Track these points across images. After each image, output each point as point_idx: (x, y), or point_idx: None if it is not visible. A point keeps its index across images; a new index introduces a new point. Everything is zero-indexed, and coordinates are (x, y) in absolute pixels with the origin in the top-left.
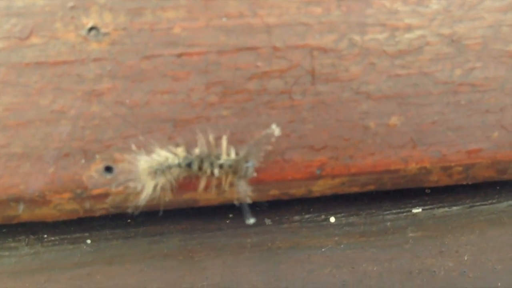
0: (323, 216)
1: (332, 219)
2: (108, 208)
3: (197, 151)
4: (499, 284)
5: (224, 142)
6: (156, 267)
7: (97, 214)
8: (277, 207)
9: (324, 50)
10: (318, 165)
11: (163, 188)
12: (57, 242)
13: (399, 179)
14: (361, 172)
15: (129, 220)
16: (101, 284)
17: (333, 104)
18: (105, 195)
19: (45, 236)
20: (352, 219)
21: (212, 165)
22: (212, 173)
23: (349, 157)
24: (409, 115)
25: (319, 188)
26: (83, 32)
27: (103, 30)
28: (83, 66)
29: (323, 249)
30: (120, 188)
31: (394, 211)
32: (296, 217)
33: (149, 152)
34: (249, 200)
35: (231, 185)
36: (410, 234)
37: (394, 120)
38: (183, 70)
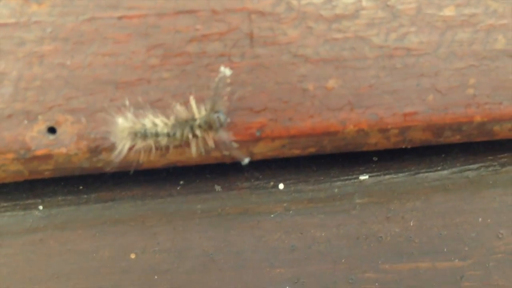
0: (272, 183)
1: (281, 186)
2: (53, 170)
3: (177, 119)
4: (445, 249)
5: (192, 102)
6: (107, 232)
7: (43, 176)
8: (226, 174)
9: (262, 14)
10: (258, 126)
11: (138, 151)
12: (9, 208)
13: (339, 142)
14: (301, 134)
15: (81, 187)
16: (54, 249)
17: (272, 67)
18: (49, 155)
19: None
20: (300, 185)
21: (192, 128)
22: (194, 135)
23: (289, 119)
24: (346, 78)
25: (260, 150)
26: None
27: None
28: (24, 28)
29: (272, 215)
30: (63, 149)
31: (341, 178)
32: (246, 184)
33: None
34: (235, 145)
35: (214, 140)
36: (357, 201)
37: (331, 83)
38: (124, 32)
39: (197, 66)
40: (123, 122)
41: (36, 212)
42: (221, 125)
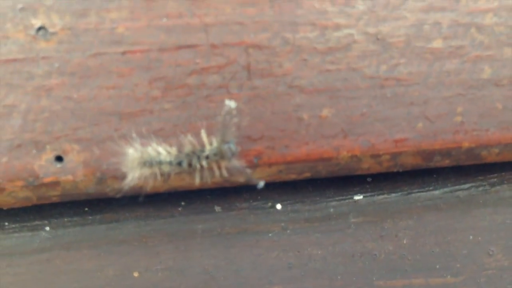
0: (270, 203)
1: (279, 206)
2: (61, 195)
3: (185, 150)
4: (438, 266)
5: (203, 135)
6: (112, 252)
7: (50, 201)
8: (226, 195)
9: (259, 47)
10: (256, 154)
11: (147, 179)
12: (17, 229)
13: (333, 167)
14: (296, 160)
15: (86, 208)
16: (60, 268)
17: (268, 97)
18: (56, 183)
19: (6, 224)
20: (297, 206)
21: (199, 158)
22: (201, 166)
23: (285, 147)
24: (339, 107)
25: (258, 175)
26: (32, 32)
27: (50, 30)
28: (32, 63)
29: (270, 234)
30: (69, 177)
31: (337, 198)
32: (244, 204)
33: (145, 145)
34: (248, 172)
35: (226, 169)
36: (352, 220)
37: (325, 112)
38: (127, 66)
39: (197, 97)
40: (133, 153)
41: (43, 233)
42: (233, 154)
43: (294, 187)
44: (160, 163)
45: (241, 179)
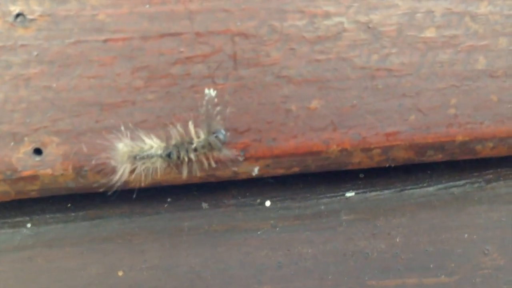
0: (258, 200)
1: (268, 203)
2: (40, 190)
3: (172, 141)
4: (431, 265)
5: (191, 127)
6: (95, 250)
7: (29, 196)
8: (213, 191)
9: (245, 36)
10: (242, 147)
11: (139, 173)
12: None
13: (322, 161)
14: (284, 154)
15: (69, 205)
16: (42, 267)
17: (255, 88)
18: (35, 176)
19: None
20: (287, 202)
21: (187, 151)
22: (189, 159)
23: (272, 140)
24: (329, 98)
25: (244, 169)
26: (10, 19)
27: (29, 16)
28: (10, 51)
29: (259, 232)
30: (48, 171)
31: (328, 195)
32: (232, 201)
33: (133, 138)
34: (241, 159)
35: (217, 159)
36: (344, 217)
37: (314, 103)
38: (109, 55)
39: (181, 88)
40: (123, 147)
41: (25, 230)
42: (223, 143)
43: (284, 183)
44: (150, 156)
45: (234, 168)
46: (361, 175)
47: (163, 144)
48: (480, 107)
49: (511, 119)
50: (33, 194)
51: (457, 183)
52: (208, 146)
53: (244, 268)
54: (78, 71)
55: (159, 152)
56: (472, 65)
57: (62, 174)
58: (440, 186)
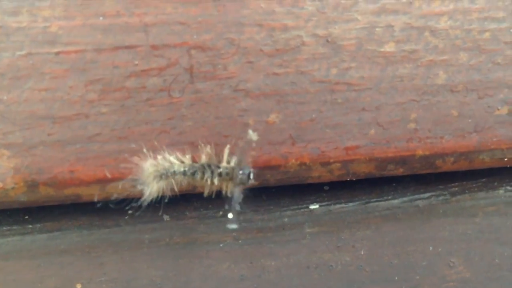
0: (221, 213)
1: (230, 215)
2: None
3: (202, 160)
4: (396, 278)
5: (226, 151)
6: (53, 263)
7: None
8: (175, 203)
9: (202, 49)
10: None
11: (164, 190)
12: None
13: (281, 175)
14: None
15: (26, 217)
16: None
17: (212, 101)
18: None
19: None
20: (250, 215)
21: (213, 174)
22: (212, 182)
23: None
24: (287, 112)
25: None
26: None
27: None
28: None
29: (221, 245)
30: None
31: (291, 208)
32: (194, 213)
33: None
34: (238, 208)
35: (230, 191)
36: (308, 230)
37: (273, 117)
38: (61, 67)
39: (136, 101)
40: (148, 167)
41: None
42: (243, 183)
43: (247, 195)
44: (174, 173)
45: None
46: (326, 188)
47: (188, 162)
48: (440, 121)
49: (472, 134)
50: None
51: (422, 195)
52: (231, 175)
53: (206, 281)
54: (29, 84)
55: (184, 169)
56: (432, 80)
57: (13, 188)
58: (405, 198)
